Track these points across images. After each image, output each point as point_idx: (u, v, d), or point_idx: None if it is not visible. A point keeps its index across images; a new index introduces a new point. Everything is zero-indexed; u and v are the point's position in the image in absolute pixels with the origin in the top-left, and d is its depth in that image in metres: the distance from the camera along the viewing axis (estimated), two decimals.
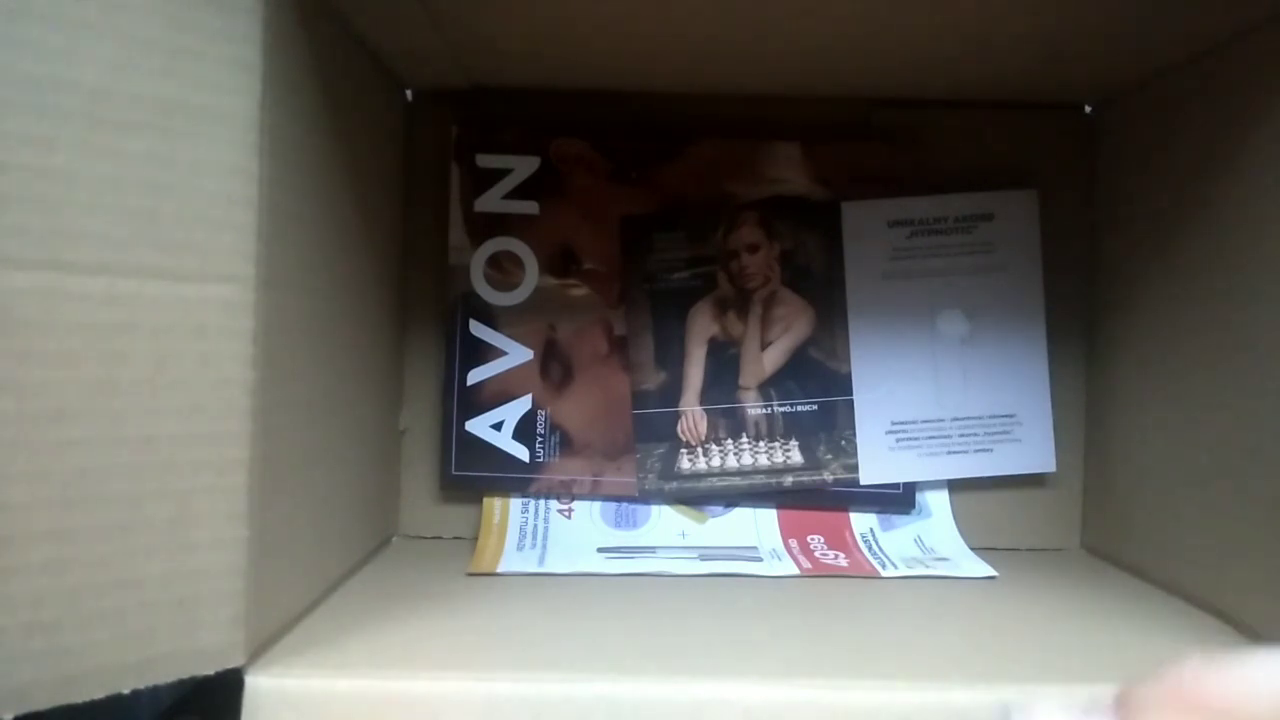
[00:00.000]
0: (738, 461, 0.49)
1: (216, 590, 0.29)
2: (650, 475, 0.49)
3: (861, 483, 0.49)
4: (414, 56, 0.45)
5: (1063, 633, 0.37)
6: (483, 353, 0.49)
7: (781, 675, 0.31)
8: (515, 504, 0.50)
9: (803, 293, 0.49)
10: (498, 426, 0.49)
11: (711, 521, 0.50)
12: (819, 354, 0.49)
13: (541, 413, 0.49)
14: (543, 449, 0.49)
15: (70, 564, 0.26)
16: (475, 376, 0.49)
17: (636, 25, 0.40)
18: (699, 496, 0.50)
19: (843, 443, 0.49)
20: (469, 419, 0.49)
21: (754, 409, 0.49)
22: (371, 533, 0.46)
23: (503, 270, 0.49)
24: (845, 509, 0.50)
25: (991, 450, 0.49)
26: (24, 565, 0.26)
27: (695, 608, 0.39)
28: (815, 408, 0.49)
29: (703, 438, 0.49)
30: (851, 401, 0.49)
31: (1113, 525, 0.49)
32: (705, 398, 0.49)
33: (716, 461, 0.49)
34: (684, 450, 0.49)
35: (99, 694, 0.27)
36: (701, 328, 0.49)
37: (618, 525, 0.49)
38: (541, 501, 0.50)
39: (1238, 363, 0.38)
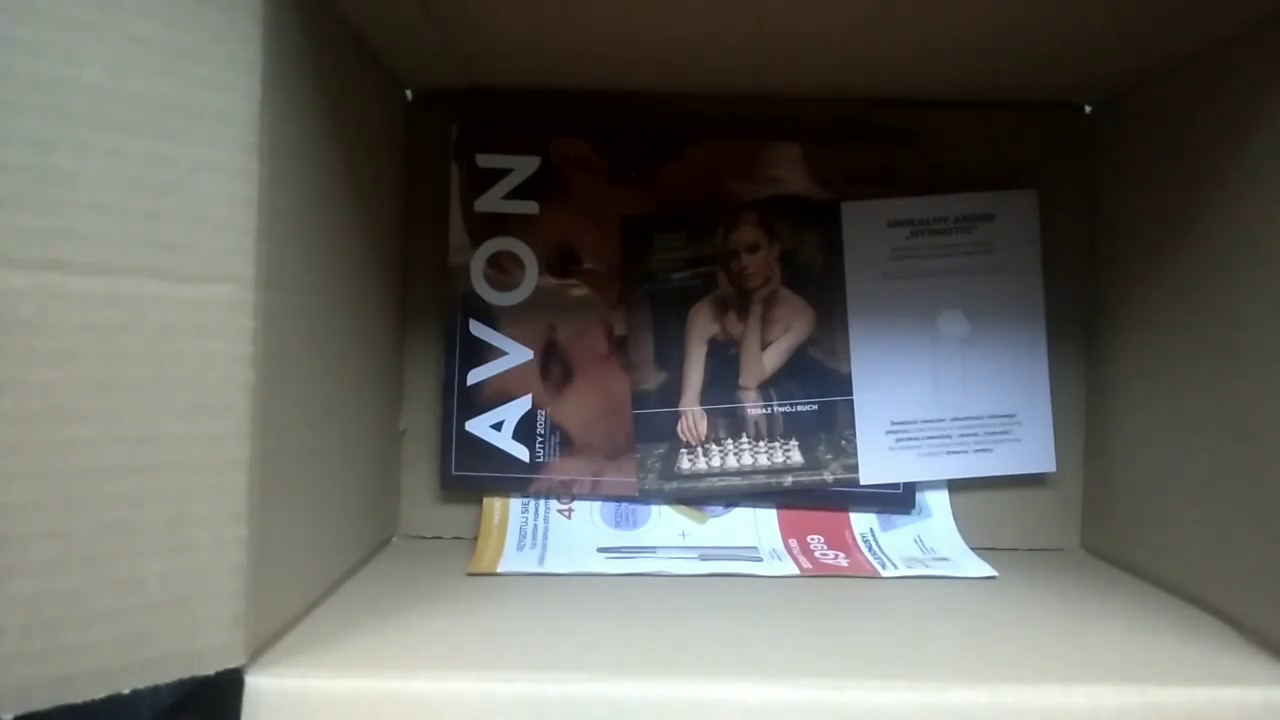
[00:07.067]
0: (738, 461, 0.49)
1: (216, 590, 0.29)
2: (650, 475, 0.49)
3: (861, 483, 0.49)
4: (414, 56, 0.45)
5: (1063, 633, 0.37)
6: (483, 353, 0.49)
7: (781, 675, 0.31)
8: (515, 504, 0.50)
9: (803, 293, 0.49)
10: (498, 426, 0.49)
11: (711, 521, 0.50)
12: (819, 354, 0.49)
13: (541, 413, 0.49)
14: (543, 449, 0.49)
15: (70, 564, 0.26)
16: (475, 376, 0.49)
17: (636, 25, 0.40)
18: (699, 496, 0.50)
19: (843, 443, 0.49)
20: (469, 419, 0.49)
21: (754, 409, 0.49)
22: (371, 533, 0.46)
23: (503, 270, 0.49)
24: (845, 509, 0.50)
25: (991, 450, 0.49)
26: (24, 565, 0.26)
27: (695, 608, 0.39)
28: (815, 408, 0.49)
29: (703, 438, 0.49)
30: (851, 401, 0.49)
31: (1113, 525, 0.48)
32: (705, 398, 0.49)
33: (716, 461, 0.49)
34: (684, 450, 0.49)
35: (99, 694, 0.27)
36: (701, 328, 0.49)
37: (618, 525, 0.49)
38: (541, 501, 0.50)
39: (1238, 362, 0.38)
